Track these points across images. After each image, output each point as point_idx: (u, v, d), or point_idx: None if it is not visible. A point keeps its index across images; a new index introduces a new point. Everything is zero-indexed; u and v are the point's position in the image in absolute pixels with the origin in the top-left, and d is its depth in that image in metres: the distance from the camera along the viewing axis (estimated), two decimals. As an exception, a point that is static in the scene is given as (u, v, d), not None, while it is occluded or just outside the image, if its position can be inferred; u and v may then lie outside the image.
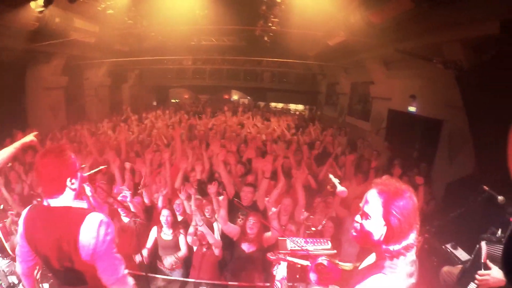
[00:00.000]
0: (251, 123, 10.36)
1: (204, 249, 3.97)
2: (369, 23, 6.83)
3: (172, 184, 5.06)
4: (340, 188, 2.67)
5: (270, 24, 10.53)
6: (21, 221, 1.93)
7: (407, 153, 7.76)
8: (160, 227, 4.12)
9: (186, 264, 4.20)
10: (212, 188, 4.12)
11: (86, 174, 2.12)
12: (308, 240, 2.64)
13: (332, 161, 6.20)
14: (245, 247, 3.80)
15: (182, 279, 4.20)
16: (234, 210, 4.37)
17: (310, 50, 12.54)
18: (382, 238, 1.50)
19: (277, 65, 16.18)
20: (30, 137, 2.86)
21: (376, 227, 1.50)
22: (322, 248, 2.51)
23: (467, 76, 4.03)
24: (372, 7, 6.38)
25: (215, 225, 4.14)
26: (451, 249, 3.43)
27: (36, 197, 4.35)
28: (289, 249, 2.53)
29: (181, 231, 4.18)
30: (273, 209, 3.58)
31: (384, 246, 1.51)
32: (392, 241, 1.49)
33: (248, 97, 20.96)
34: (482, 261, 2.28)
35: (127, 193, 4.00)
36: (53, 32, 7.71)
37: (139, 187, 4.92)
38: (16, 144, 2.74)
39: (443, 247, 3.48)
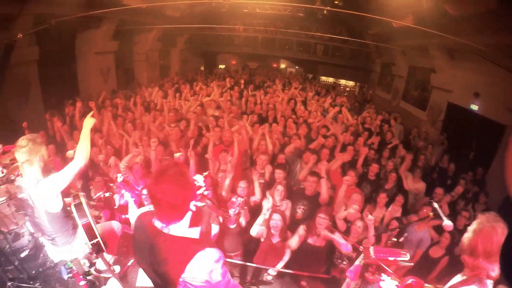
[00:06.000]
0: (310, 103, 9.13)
1: (275, 240, 3.73)
2: (444, 12, 6.43)
3: (237, 167, 4.73)
4: (447, 222, 2.53)
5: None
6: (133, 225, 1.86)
7: (462, 152, 7.48)
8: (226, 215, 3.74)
9: (245, 253, 4.02)
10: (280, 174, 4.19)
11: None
12: (389, 250, 2.63)
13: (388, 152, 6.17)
14: (311, 240, 3.73)
15: (250, 264, 3.90)
16: (295, 200, 4.29)
17: (370, 28, 11.95)
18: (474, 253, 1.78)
19: (331, 39, 15.57)
20: (91, 120, 2.81)
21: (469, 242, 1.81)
22: (401, 259, 2.51)
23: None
24: (452, -1, 5.96)
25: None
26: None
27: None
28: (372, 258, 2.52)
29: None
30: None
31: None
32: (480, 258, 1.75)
33: (296, 67, 20.59)
34: None
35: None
36: (103, -1, 7.33)
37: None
38: (87, 131, 2.73)
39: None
